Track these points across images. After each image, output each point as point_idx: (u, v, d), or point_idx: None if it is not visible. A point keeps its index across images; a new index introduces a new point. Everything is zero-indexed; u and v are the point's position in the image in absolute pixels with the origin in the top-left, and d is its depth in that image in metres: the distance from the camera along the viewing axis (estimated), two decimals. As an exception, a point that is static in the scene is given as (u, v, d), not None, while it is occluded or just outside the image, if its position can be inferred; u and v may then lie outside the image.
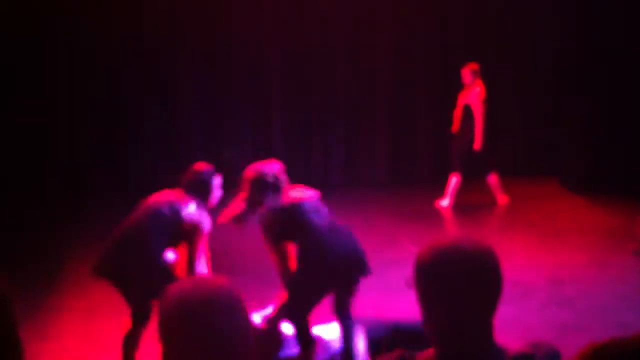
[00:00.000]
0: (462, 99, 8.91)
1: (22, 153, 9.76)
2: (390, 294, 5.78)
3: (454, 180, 9.08)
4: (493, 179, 9.24)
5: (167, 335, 1.64)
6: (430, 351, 1.74)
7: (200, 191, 4.56)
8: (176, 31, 10.21)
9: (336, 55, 10.45)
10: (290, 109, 10.61)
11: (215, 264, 6.59)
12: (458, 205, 9.28)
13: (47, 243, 7.83)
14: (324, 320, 4.85)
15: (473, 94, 8.76)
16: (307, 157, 10.67)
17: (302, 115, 10.55)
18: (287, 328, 4.73)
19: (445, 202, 9.20)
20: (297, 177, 10.54)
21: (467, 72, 8.83)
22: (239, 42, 10.41)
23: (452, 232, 8.00)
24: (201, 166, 4.70)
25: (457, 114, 8.98)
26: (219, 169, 4.80)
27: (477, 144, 8.78)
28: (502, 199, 9.32)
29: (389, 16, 10.69)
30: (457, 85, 9.08)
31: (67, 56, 9.94)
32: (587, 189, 9.68)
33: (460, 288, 1.67)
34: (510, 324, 4.85)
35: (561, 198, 9.72)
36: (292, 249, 4.66)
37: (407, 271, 1.83)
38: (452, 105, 9.12)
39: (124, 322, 5.17)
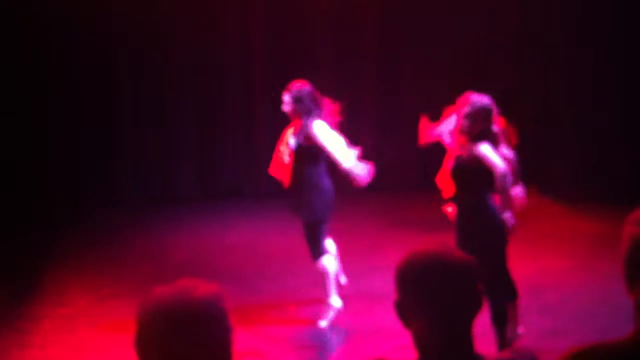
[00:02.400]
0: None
1: (4, 157, 9.70)
2: (373, 301, 5.78)
3: None
4: None
5: (142, 345, 1.61)
6: (410, 357, 1.75)
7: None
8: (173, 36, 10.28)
9: (322, 60, 10.47)
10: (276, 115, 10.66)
11: (200, 269, 6.63)
12: (442, 211, 9.34)
13: (27, 251, 7.75)
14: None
15: None
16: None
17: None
18: None
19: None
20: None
21: None
22: (229, 49, 10.49)
23: (433, 239, 8.01)
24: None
25: None
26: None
27: None
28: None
29: (376, 16, 10.78)
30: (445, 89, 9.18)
31: (63, 57, 9.91)
32: (567, 195, 9.76)
33: (438, 296, 1.69)
34: (491, 331, 4.87)
35: (541, 205, 9.78)
36: None
37: (391, 277, 1.85)
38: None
39: (106, 330, 5.16)
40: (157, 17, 10.17)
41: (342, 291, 6.09)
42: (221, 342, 1.62)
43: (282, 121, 10.28)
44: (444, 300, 1.69)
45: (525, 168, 10.67)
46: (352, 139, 9.23)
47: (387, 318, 5.18)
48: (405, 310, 1.73)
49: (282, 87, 6.05)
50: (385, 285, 5.90)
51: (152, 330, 1.58)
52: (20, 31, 9.61)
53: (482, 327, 4.55)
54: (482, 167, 4.59)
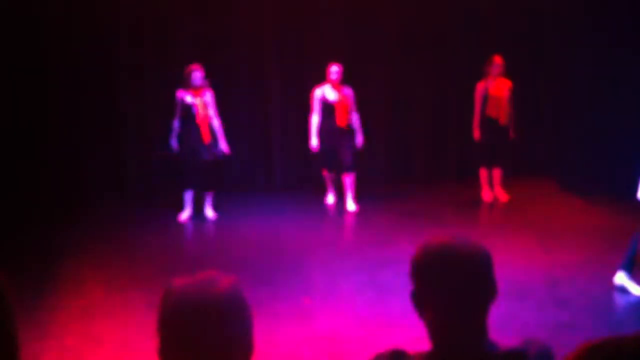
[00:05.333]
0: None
1: (22, 150, 9.78)
2: (388, 293, 5.80)
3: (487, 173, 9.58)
4: (482, 174, 9.48)
5: (164, 334, 1.61)
6: (425, 348, 1.77)
7: None
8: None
9: (334, 52, 10.48)
10: (288, 107, 10.72)
11: (214, 261, 6.69)
12: (456, 203, 9.39)
13: (45, 242, 7.84)
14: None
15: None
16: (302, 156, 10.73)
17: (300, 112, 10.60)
18: None
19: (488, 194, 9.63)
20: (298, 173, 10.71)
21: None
22: (238, 45, 10.50)
23: (448, 230, 8.03)
24: None
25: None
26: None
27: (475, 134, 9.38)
28: (488, 195, 9.50)
29: (390, 11, 10.77)
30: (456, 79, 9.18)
31: (65, 56, 9.97)
32: (583, 189, 9.73)
33: (452, 286, 1.71)
34: (506, 323, 4.88)
35: (558, 198, 9.77)
36: None
37: (404, 269, 1.86)
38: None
39: (123, 320, 5.20)
40: (161, 5, 10.20)
41: (357, 283, 6.16)
42: (244, 334, 1.63)
43: (293, 116, 10.47)
44: (458, 290, 1.70)
45: (544, 161, 10.86)
46: (365, 130, 9.41)
47: (402, 310, 5.21)
48: (421, 300, 1.75)
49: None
50: (399, 277, 5.97)
51: (175, 321, 1.59)
52: (19, 27, 9.67)
53: (499, 318, 4.58)
54: None
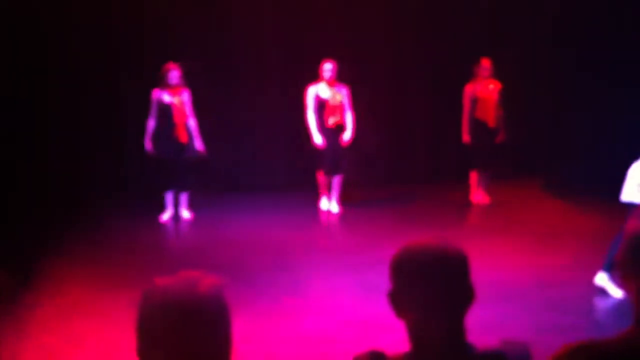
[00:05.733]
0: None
1: (17, 148, 9.70)
2: (374, 294, 5.79)
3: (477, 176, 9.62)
4: (472, 176, 9.52)
5: (142, 333, 1.59)
6: (403, 350, 1.78)
7: None
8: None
9: (329, 50, 10.48)
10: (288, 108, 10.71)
11: (197, 261, 6.65)
12: (446, 205, 9.44)
13: (22, 240, 7.76)
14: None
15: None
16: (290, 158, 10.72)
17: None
18: None
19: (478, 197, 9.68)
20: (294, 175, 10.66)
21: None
22: (238, 47, 10.53)
23: (436, 232, 8.06)
24: None
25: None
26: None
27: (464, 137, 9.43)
28: (477, 197, 9.55)
29: (385, 13, 10.81)
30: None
31: (67, 56, 9.92)
32: (571, 191, 9.81)
33: (430, 288, 1.72)
34: (491, 325, 4.88)
35: (545, 200, 9.83)
36: None
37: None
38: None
39: (103, 319, 5.16)
40: (160, 6, 10.17)
41: (341, 286, 6.16)
42: (223, 336, 1.62)
43: (276, 117, 10.46)
44: (436, 292, 1.72)
45: (531, 163, 10.92)
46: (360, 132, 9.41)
47: (388, 311, 5.19)
48: (399, 301, 1.77)
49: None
50: (386, 278, 5.91)
51: (155, 321, 1.57)
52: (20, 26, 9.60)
53: (484, 320, 4.59)
54: None
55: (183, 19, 10.32)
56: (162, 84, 8.52)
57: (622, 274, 1.73)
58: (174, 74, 8.48)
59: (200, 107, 8.89)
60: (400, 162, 11.28)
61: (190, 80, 8.75)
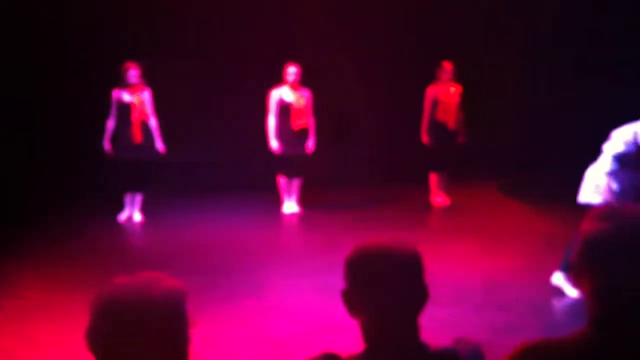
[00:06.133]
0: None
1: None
2: (331, 296, 5.80)
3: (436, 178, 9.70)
4: (432, 178, 9.60)
5: (94, 337, 1.58)
6: (358, 350, 1.79)
7: None
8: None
9: (289, 52, 10.48)
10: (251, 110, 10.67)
11: (159, 263, 6.59)
12: (405, 207, 9.49)
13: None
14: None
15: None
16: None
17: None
18: None
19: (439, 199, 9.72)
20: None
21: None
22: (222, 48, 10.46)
23: (394, 234, 8.11)
24: None
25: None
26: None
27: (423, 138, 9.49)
28: (437, 200, 9.63)
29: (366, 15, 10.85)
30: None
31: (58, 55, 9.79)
32: (527, 193, 9.95)
33: (384, 288, 1.74)
34: (445, 326, 4.92)
35: (502, 202, 9.95)
36: None
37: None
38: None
39: (60, 322, 5.07)
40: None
41: (300, 288, 6.16)
42: (178, 338, 1.61)
43: (240, 119, 10.42)
44: (389, 291, 1.74)
45: (486, 166, 11.05)
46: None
47: (346, 313, 5.21)
48: (353, 300, 1.79)
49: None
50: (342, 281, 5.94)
51: (105, 322, 1.55)
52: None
53: (439, 321, 4.63)
54: None
55: (146, 18, 10.23)
56: (122, 83, 8.43)
57: (576, 275, 1.76)
58: (133, 73, 8.41)
59: (163, 108, 8.82)
60: (361, 164, 11.32)
61: (152, 79, 8.68)
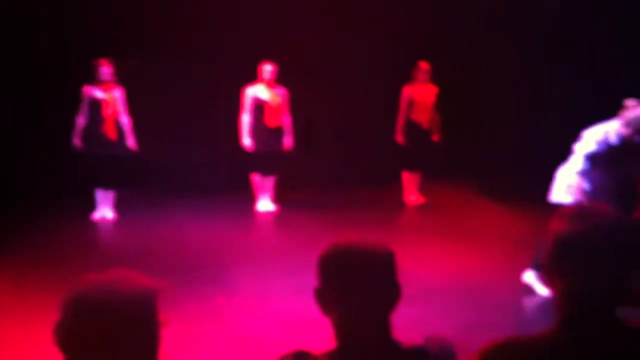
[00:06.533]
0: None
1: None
2: (305, 296, 5.80)
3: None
4: (405, 177, 9.64)
5: (63, 334, 1.56)
6: (329, 348, 1.79)
7: None
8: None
9: (262, 50, 10.45)
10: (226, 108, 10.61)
11: (145, 262, 6.52)
12: (379, 206, 9.51)
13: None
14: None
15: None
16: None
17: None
18: None
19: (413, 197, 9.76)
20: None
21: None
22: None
23: (367, 232, 8.11)
24: None
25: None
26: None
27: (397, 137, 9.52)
28: (411, 198, 9.68)
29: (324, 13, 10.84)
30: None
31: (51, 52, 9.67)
32: (500, 193, 10.03)
33: (356, 285, 1.75)
34: (418, 323, 4.95)
35: (475, 202, 10.02)
36: None
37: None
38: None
39: (26, 320, 5.02)
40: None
41: (273, 286, 6.16)
42: (148, 338, 1.59)
43: (215, 117, 10.35)
44: (361, 289, 1.74)
45: (462, 165, 11.11)
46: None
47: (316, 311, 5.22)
48: (325, 298, 1.79)
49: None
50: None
51: (74, 319, 1.53)
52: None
53: (410, 320, 4.65)
54: None
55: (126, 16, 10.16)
56: (94, 80, 8.37)
57: (547, 274, 1.78)
58: (105, 70, 8.35)
59: (136, 106, 8.75)
60: (336, 162, 11.30)
61: (126, 78, 8.62)
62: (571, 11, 10.30)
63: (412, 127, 9.48)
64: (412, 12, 11.10)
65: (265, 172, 9.21)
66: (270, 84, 9.02)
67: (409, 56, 9.82)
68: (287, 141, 9.19)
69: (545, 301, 5.70)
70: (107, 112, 8.34)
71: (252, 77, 9.09)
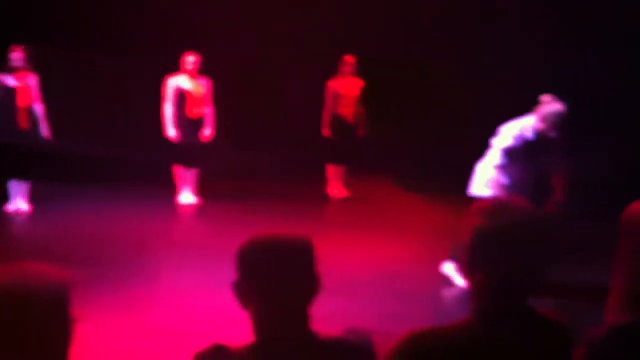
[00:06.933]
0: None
1: None
2: (223, 288, 5.75)
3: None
4: (329, 170, 9.70)
5: None
6: (248, 341, 1.78)
7: None
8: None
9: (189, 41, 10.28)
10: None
11: (60, 254, 6.33)
12: (302, 198, 9.52)
13: None
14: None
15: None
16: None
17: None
18: None
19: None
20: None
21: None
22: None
23: (286, 225, 8.11)
24: None
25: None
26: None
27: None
28: (334, 191, 9.75)
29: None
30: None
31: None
32: (421, 186, 10.20)
33: (275, 278, 1.75)
34: (337, 315, 4.96)
35: (394, 195, 10.16)
36: None
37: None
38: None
39: None
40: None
41: (193, 279, 6.09)
42: (58, 330, 1.54)
43: (137, 106, 10.13)
44: (279, 282, 1.74)
45: (382, 158, 11.24)
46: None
47: (238, 305, 5.18)
48: (243, 291, 1.79)
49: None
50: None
51: None
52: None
53: (329, 311, 4.67)
54: None
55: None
56: (6, 67, 8.07)
57: (465, 267, 1.80)
58: (16, 57, 8.05)
59: (53, 94, 8.49)
60: (260, 155, 11.26)
61: (44, 65, 8.35)
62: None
63: (337, 121, 9.52)
64: (340, 4, 11.15)
65: (186, 163, 9.09)
66: (193, 75, 8.91)
67: (335, 49, 9.84)
68: (207, 132, 9.09)
69: (463, 292, 5.82)
70: (19, 100, 8.06)
71: (176, 68, 8.98)
